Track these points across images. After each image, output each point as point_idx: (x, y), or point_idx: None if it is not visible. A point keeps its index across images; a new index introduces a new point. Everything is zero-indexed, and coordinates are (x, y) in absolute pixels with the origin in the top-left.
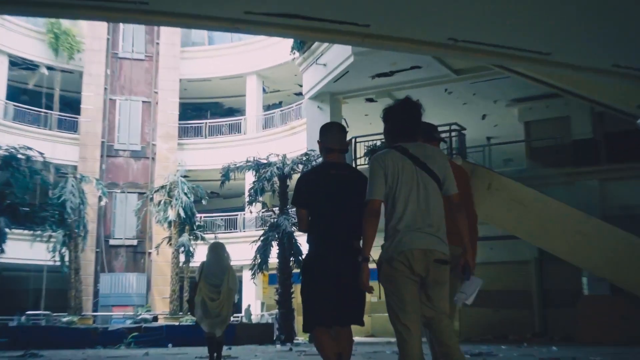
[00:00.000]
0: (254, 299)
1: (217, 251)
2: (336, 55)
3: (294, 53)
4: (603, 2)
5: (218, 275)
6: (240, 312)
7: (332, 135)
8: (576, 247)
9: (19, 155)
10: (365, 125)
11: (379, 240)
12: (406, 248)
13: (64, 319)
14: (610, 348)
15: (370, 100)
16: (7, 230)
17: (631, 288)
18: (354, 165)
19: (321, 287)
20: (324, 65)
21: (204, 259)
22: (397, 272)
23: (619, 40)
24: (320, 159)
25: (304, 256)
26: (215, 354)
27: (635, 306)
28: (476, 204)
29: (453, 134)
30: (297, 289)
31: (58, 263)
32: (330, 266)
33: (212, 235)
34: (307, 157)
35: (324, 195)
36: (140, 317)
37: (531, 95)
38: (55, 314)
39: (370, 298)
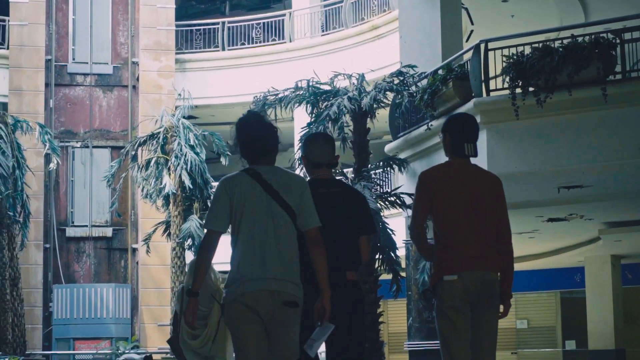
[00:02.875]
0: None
1: None
2: None
3: None
4: None
5: (202, 302)
6: None
7: (318, 148)
8: None
9: None
10: (502, 19)
11: None
12: (248, 289)
13: None
14: None
15: None
16: None
17: None
18: (483, 90)
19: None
20: None
21: (185, 281)
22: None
23: None
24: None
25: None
26: None
27: None
28: None
29: None
30: (386, 306)
31: None
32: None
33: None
34: (403, 78)
35: (324, 217)
36: (123, 357)
37: None
38: None
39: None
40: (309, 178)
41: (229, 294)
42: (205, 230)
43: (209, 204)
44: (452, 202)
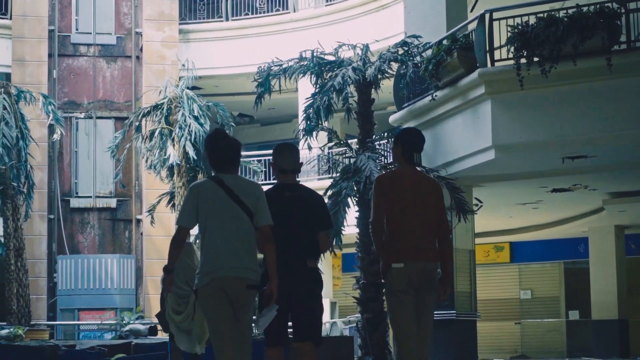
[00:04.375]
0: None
1: (186, 254)
2: None
3: None
4: None
5: (185, 283)
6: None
7: (285, 156)
8: None
9: None
10: None
11: None
12: (218, 275)
13: (2, 332)
14: None
15: None
16: None
17: None
18: (488, 61)
19: (278, 305)
20: None
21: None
22: None
23: None
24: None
25: None
26: None
27: None
28: None
29: None
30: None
31: None
32: (284, 285)
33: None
34: (407, 48)
35: (278, 219)
36: (127, 328)
37: None
38: None
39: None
40: (276, 182)
41: (201, 281)
42: (177, 227)
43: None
44: (401, 202)
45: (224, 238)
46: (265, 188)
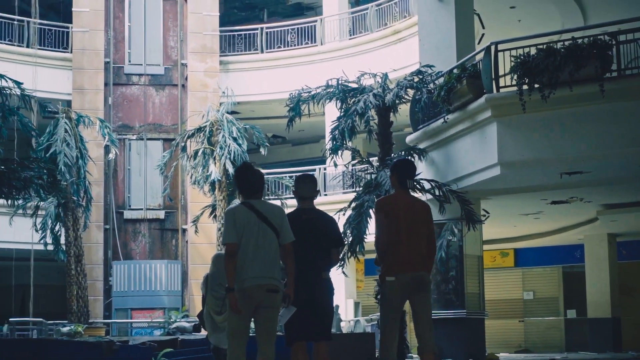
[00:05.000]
0: (344, 298)
1: (221, 262)
2: None
3: None
4: None
5: (223, 286)
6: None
7: (305, 186)
8: None
9: None
10: (510, 23)
11: None
12: (250, 283)
13: (64, 329)
14: None
15: None
16: None
17: None
18: (493, 87)
19: (299, 308)
20: None
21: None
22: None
23: None
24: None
25: None
26: None
27: None
28: None
29: None
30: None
31: (51, 247)
32: (303, 292)
33: (278, 202)
34: (421, 77)
35: (298, 237)
36: (174, 325)
37: None
38: (50, 322)
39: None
40: (297, 207)
41: (237, 288)
42: (225, 245)
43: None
44: (395, 222)
45: (254, 251)
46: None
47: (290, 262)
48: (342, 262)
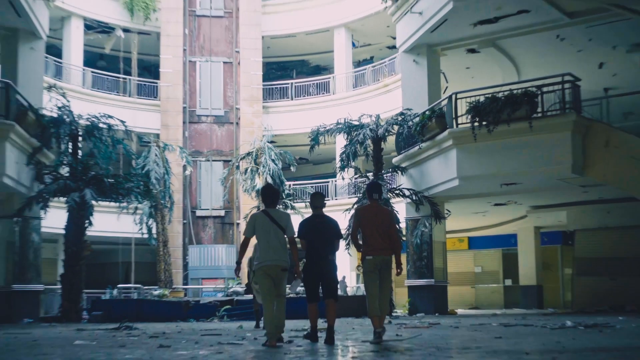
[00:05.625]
0: (349, 271)
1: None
2: (433, 2)
3: (386, 1)
4: None
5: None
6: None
7: (316, 200)
8: None
9: (101, 125)
10: (466, 79)
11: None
12: (265, 264)
13: (155, 292)
14: None
15: (472, 50)
16: (93, 202)
17: None
18: (454, 124)
19: (314, 279)
20: (420, 13)
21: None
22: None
23: None
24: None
25: (399, 224)
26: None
27: None
28: (592, 162)
29: (566, 85)
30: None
31: (146, 235)
32: (316, 268)
33: (302, 204)
34: (403, 117)
35: (312, 233)
36: (231, 290)
37: None
38: (146, 287)
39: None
40: (311, 214)
41: (256, 267)
42: (243, 237)
43: (283, 196)
44: (370, 222)
45: (268, 243)
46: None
47: (294, 249)
48: (347, 246)
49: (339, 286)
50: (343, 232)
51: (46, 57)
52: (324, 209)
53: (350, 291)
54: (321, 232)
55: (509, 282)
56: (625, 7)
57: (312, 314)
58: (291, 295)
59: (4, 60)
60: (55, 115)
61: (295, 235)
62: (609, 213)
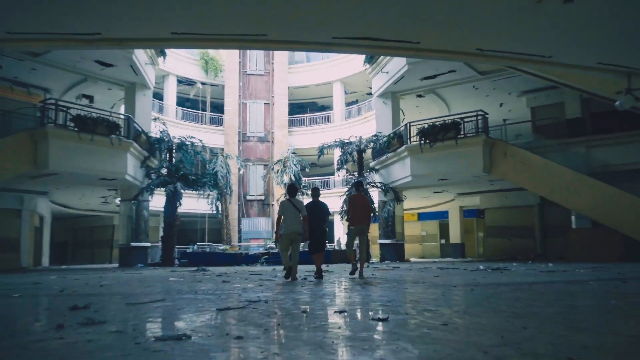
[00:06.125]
0: (343, 234)
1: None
2: (395, 65)
3: (366, 65)
4: (590, 20)
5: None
6: (333, 243)
7: (314, 193)
8: (567, 195)
9: (187, 142)
10: (416, 114)
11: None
12: (287, 231)
13: (220, 247)
14: (589, 264)
15: (420, 96)
16: (182, 191)
17: (607, 222)
18: (409, 142)
19: (312, 240)
20: (387, 72)
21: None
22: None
23: (601, 45)
24: (385, 138)
25: (374, 205)
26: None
27: (610, 235)
28: (495, 166)
29: (479, 117)
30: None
31: (214, 212)
32: (313, 235)
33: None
34: (376, 137)
35: (311, 213)
36: (268, 246)
37: (536, 88)
38: (214, 244)
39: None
40: (312, 200)
41: (282, 233)
42: (277, 215)
43: (301, 188)
44: (357, 206)
45: (290, 219)
46: (307, 201)
47: (305, 223)
48: (342, 218)
49: (341, 243)
50: (338, 209)
51: (153, 100)
52: (320, 197)
53: (343, 247)
54: (316, 212)
55: (443, 241)
56: (516, 68)
57: (317, 262)
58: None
59: (126, 102)
60: (158, 136)
61: (304, 214)
62: (506, 198)
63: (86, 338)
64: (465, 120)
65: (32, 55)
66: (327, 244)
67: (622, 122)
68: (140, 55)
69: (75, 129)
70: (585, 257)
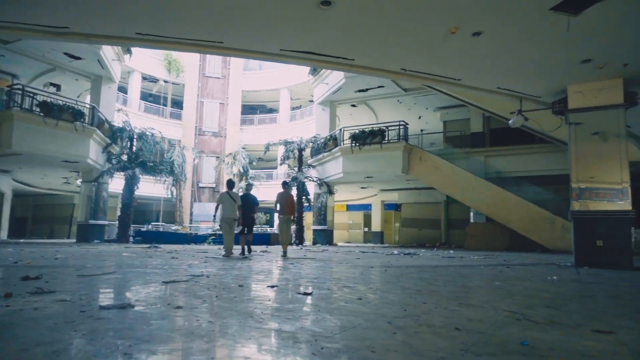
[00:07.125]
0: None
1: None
2: (334, 78)
3: (310, 76)
4: (492, 52)
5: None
6: (273, 227)
7: (248, 188)
8: (468, 195)
9: (147, 132)
10: (350, 121)
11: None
12: (225, 217)
13: (173, 228)
14: (482, 252)
15: (353, 105)
16: (140, 176)
17: (498, 218)
18: (341, 144)
19: (244, 224)
20: (327, 84)
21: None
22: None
23: (500, 73)
24: (322, 139)
25: (310, 196)
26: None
27: (499, 228)
28: (412, 168)
29: (401, 127)
30: (306, 215)
31: (169, 196)
32: (244, 220)
33: (259, 182)
34: (315, 138)
35: (243, 203)
36: (216, 228)
37: (448, 105)
38: (167, 225)
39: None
40: (245, 192)
41: (221, 218)
42: (216, 204)
43: (249, 179)
44: (286, 200)
45: (228, 207)
46: (242, 193)
47: (239, 210)
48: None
49: (275, 228)
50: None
51: (118, 93)
52: (252, 191)
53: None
54: (248, 202)
55: (366, 229)
56: (433, 87)
57: (242, 241)
58: (236, 232)
59: (92, 92)
60: (120, 125)
61: (239, 204)
62: (419, 195)
63: (33, 306)
64: (390, 128)
65: (2, 42)
66: (268, 229)
67: (514, 138)
68: (108, 51)
69: (41, 114)
70: (480, 246)
